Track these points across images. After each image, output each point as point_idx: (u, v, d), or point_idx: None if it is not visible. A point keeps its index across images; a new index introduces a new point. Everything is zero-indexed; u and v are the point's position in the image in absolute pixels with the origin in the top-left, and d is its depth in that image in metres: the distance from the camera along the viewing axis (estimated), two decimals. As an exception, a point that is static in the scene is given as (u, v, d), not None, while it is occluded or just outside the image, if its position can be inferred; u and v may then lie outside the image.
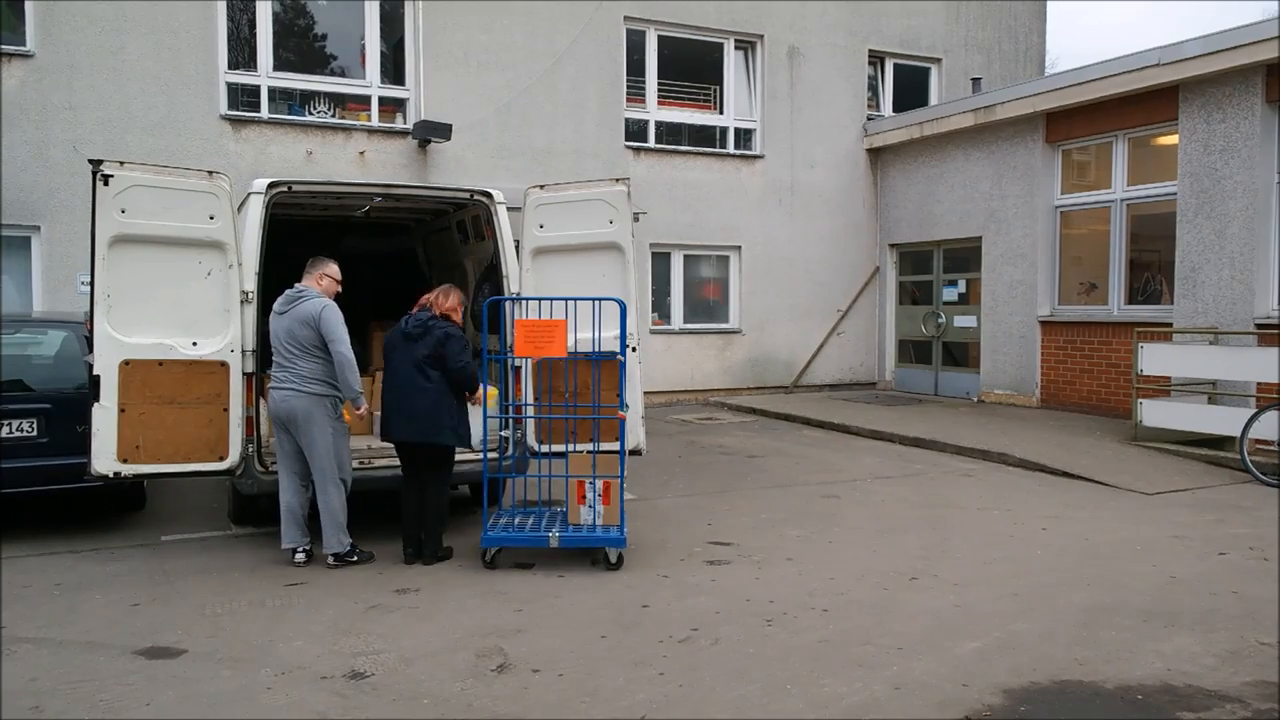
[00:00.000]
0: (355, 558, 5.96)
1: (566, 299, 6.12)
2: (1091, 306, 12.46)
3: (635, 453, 6.64)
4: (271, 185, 6.46)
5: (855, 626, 4.86)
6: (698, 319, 14.70)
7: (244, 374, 6.06)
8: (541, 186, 6.82)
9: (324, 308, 5.90)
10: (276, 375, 5.94)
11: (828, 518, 7.27)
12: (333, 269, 6.20)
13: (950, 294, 14.58)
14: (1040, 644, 4.61)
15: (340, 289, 6.23)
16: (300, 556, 5.96)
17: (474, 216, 7.84)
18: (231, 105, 11.83)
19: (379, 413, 6.27)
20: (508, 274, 6.89)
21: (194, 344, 5.93)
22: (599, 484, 6.00)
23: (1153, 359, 9.95)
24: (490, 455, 6.18)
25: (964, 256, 14.28)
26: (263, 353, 6.34)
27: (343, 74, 12.72)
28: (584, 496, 6.04)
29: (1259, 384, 9.50)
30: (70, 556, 6.16)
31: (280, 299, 6.01)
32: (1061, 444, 9.90)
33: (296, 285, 6.05)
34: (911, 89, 16.16)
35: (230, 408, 5.98)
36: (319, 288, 6.06)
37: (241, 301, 6.07)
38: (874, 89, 15.98)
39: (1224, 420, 9.27)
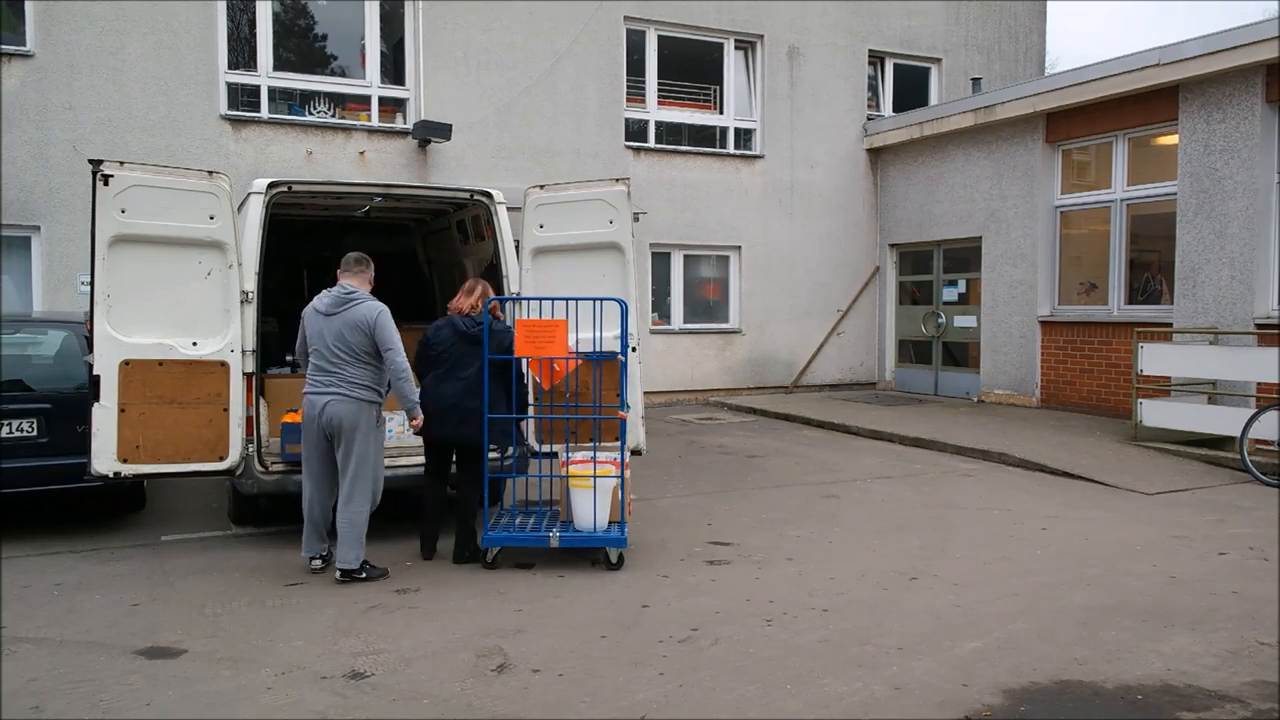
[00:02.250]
0: (364, 574, 5.63)
1: (567, 299, 6.12)
2: (1091, 306, 12.46)
3: (635, 453, 6.64)
4: (271, 185, 6.46)
5: (855, 626, 4.86)
6: (698, 319, 14.70)
7: (244, 374, 6.05)
8: (541, 186, 6.82)
9: (379, 313, 5.61)
10: (317, 379, 5.62)
11: (828, 518, 7.27)
12: (372, 271, 5.95)
13: (950, 294, 14.58)
14: (1040, 644, 4.61)
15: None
16: (318, 563, 5.79)
17: (474, 216, 7.84)
18: (231, 105, 11.83)
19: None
20: (508, 274, 6.90)
21: (194, 344, 5.92)
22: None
23: (1153, 359, 9.95)
24: (491, 455, 6.18)
25: (964, 256, 14.28)
26: (262, 353, 6.35)
27: (343, 74, 12.72)
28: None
29: (1259, 384, 9.50)
30: (70, 556, 6.15)
31: (325, 299, 5.70)
32: (1061, 444, 9.90)
33: (343, 284, 5.73)
34: (911, 89, 16.16)
35: (230, 408, 5.98)
36: (368, 289, 5.79)
37: (241, 301, 6.07)
38: (874, 89, 15.98)
39: (1224, 420, 9.27)
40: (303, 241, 8.93)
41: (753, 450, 10.29)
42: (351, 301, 5.65)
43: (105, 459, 5.72)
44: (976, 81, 15.43)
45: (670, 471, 9.05)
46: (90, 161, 5.74)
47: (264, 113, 11.99)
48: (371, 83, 12.68)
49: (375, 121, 12.63)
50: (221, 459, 5.98)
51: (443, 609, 5.15)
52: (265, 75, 12.01)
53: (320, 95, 12.42)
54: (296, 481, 6.26)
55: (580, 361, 6.28)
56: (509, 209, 7.05)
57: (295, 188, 6.72)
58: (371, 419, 5.66)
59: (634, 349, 6.50)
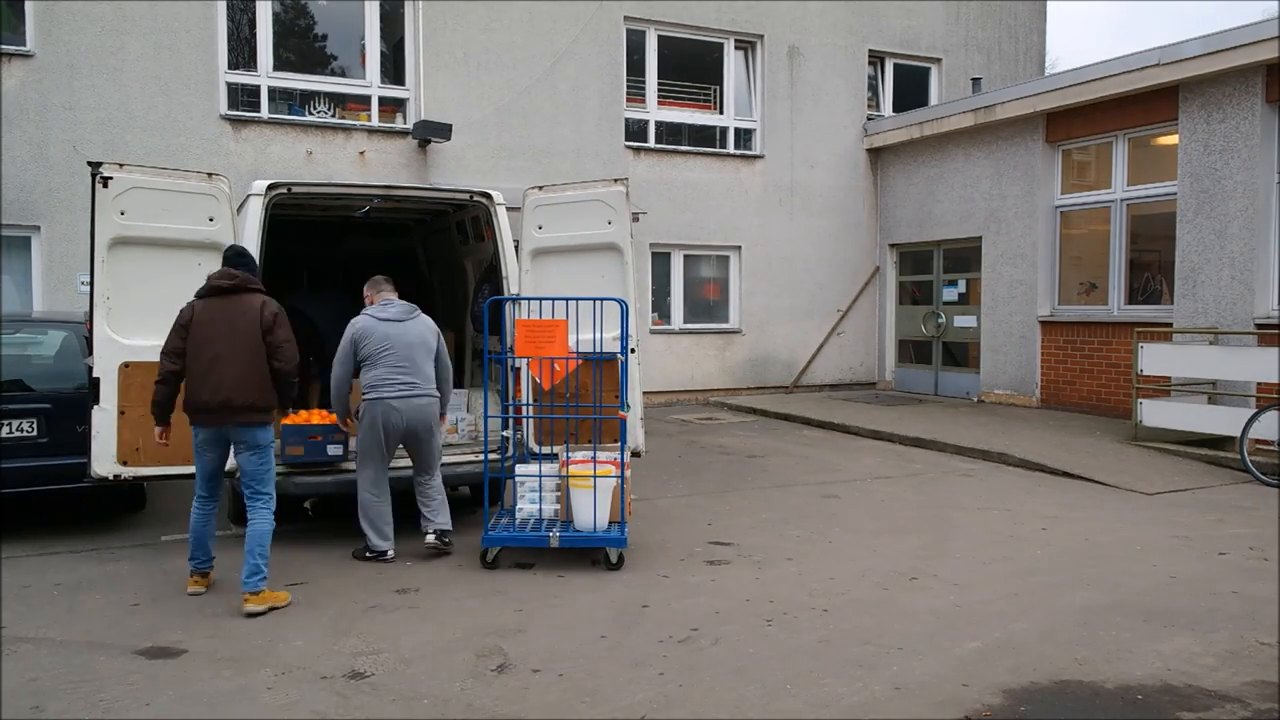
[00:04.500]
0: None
1: (568, 299, 6.12)
2: (1091, 306, 12.46)
3: (635, 454, 6.64)
4: (271, 187, 6.45)
5: (855, 626, 4.86)
6: (698, 319, 14.70)
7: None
8: (540, 187, 6.82)
9: (433, 324, 6.28)
10: (400, 380, 5.96)
11: (828, 518, 7.27)
12: None
13: (950, 294, 14.58)
14: (1040, 644, 4.61)
15: None
16: (391, 554, 6.11)
17: (474, 217, 7.84)
18: (231, 105, 11.83)
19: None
20: (507, 275, 6.90)
21: (194, 345, 5.91)
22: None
23: (1153, 359, 9.95)
24: (491, 456, 6.19)
25: (964, 256, 14.28)
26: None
27: (343, 74, 12.72)
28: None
29: (1259, 384, 9.50)
30: (70, 556, 6.16)
31: (392, 309, 6.12)
32: (1061, 444, 9.90)
33: (389, 299, 6.20)
34: (911, 89, 16.16)
35: (230, 409, 5.97)
36: None
37: (241, 302, 6.06)
38: (874, 89, 15.98)
39: (1224, 420, 9.27)
40: (303, 242, 8.92)
41: (753, 450, 10.29)
42: (416, 311, 6.21)
43: (105, 461, 5.72)
44: (976, 81, 15.43)
45: (670, 471, 9.05)
46: (89, 164, 5.74)
47: (264, 113, 11.99)
48: (371, 83, 12.68)
49: (375, 121, 12.63)
50: (221, 460, 5.97)
51: (443, 609, 5.15)
52: (265, 75, 12.01)
53: (320, 95, 12.42)
54: (296, 483, 6.29)
55: (580, 362, 6.28)
56: (509, 209, 7.05)
57: (294, 189, 6.72)
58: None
59: (633, 350, 6.50)
